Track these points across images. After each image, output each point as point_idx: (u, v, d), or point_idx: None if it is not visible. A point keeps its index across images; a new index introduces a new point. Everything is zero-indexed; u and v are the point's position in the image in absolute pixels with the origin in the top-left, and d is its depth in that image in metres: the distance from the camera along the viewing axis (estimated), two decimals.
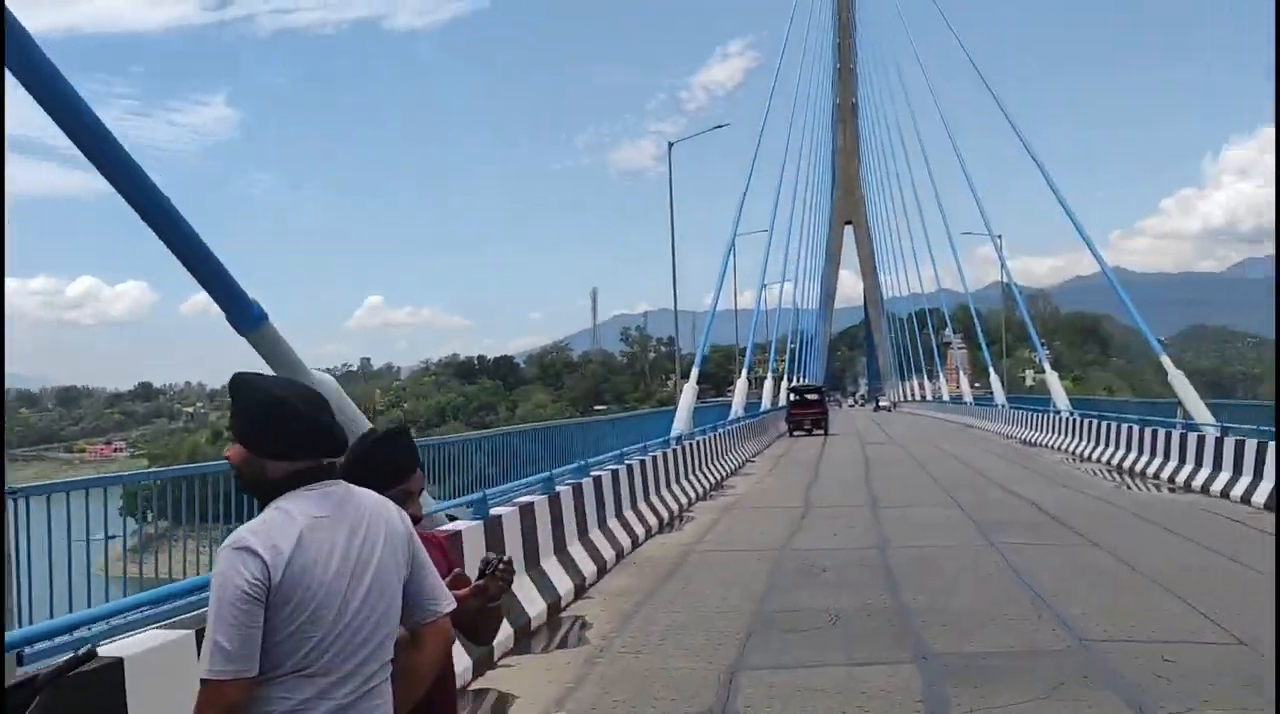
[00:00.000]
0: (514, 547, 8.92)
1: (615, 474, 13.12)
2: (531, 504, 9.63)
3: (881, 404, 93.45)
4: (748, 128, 46.47)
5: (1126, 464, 22.08)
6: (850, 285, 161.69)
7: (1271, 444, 14.84)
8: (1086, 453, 25.86)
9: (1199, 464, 17.93)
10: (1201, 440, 18.14)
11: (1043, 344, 49.44)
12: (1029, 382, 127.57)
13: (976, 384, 79.96)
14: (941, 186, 71.54)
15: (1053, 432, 31.55)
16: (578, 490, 11.22)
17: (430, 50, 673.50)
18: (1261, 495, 14.74)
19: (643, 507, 14.32)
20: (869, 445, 34.22)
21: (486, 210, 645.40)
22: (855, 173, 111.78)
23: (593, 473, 12.37)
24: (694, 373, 27.99)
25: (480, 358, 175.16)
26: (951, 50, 56.42)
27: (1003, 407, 46.87)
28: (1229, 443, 16.72)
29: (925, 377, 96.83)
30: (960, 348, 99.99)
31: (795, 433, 41.95)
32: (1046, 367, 40.25)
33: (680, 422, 24.30)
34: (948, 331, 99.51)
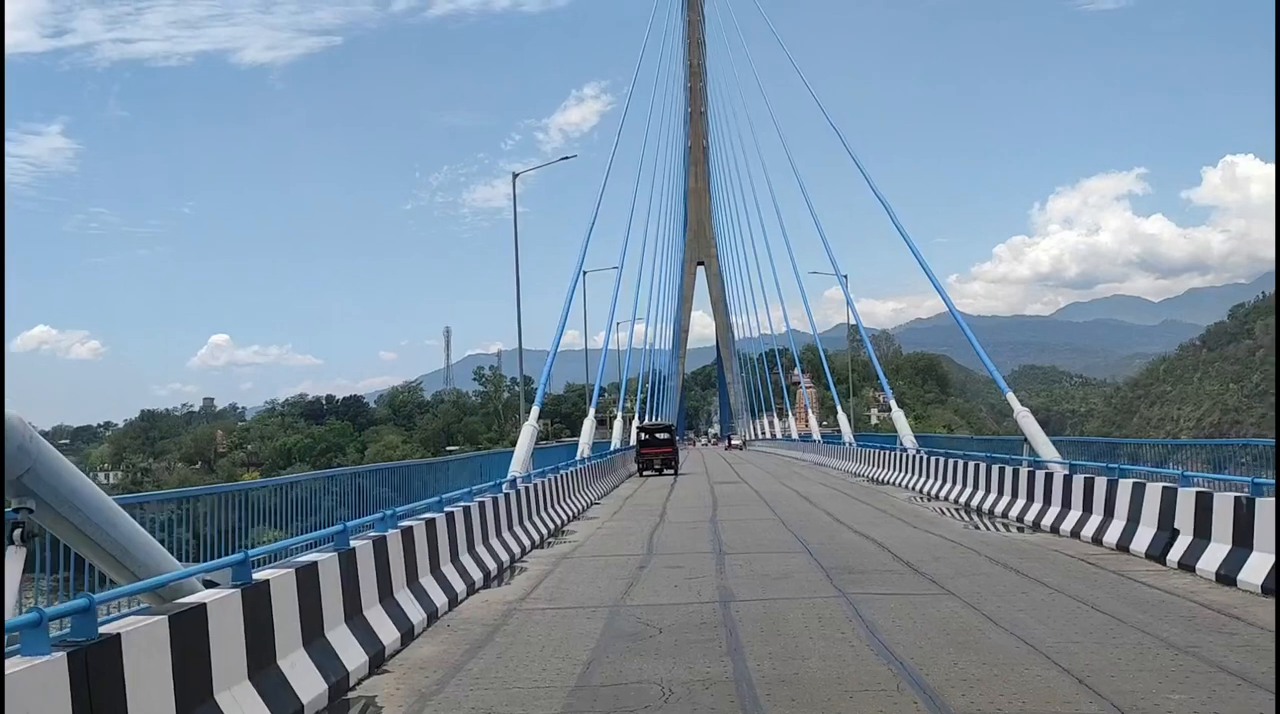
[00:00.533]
0: (286, 618, 7.38)
1: (431, 524, 11.64)
2: (314, 565, 8.09)
3: (733, 443, 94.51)
4: (603, 168, 45.30)
5: (974, 502, 21.76)
6: (703, 325, 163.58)
7: (1123, 483, 14.47)
8: (934, 491, 25.60)
9: (1048, 502, 17.57)
10: (1049, 478, 17.78)
11: (888, 383, 49.98)
12: (874, 420, 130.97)
13: (824, 422, 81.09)
14: (790, 229, 72.36)
15: (900, 469, 31.42)
16: (380, 545, 9.71)
17: (281, 85, 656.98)
18: (1113, 535, 14.29)
19: (466, 559, 12.85)
20: (718, 485, 33.43)
21: (339, 248, 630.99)
22: (707, 214, 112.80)
23: (404, 523, 10.90)
24: (534, 411, 26.42)
25: (329, 398, 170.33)
26: (803, 98, 57.36)
27: (850, 444, 47.04)
28: (1078, 481, 16.34)
29: (776, 415, 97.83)
30: (808, 387, 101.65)
31: (645, 473, 41.09)
32: (893, 404, 40.45)
33: (518, 463, 22.83)
34: (796, 371, 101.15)
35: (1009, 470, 20.32)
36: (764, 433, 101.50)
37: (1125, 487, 14.29)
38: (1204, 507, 11.94)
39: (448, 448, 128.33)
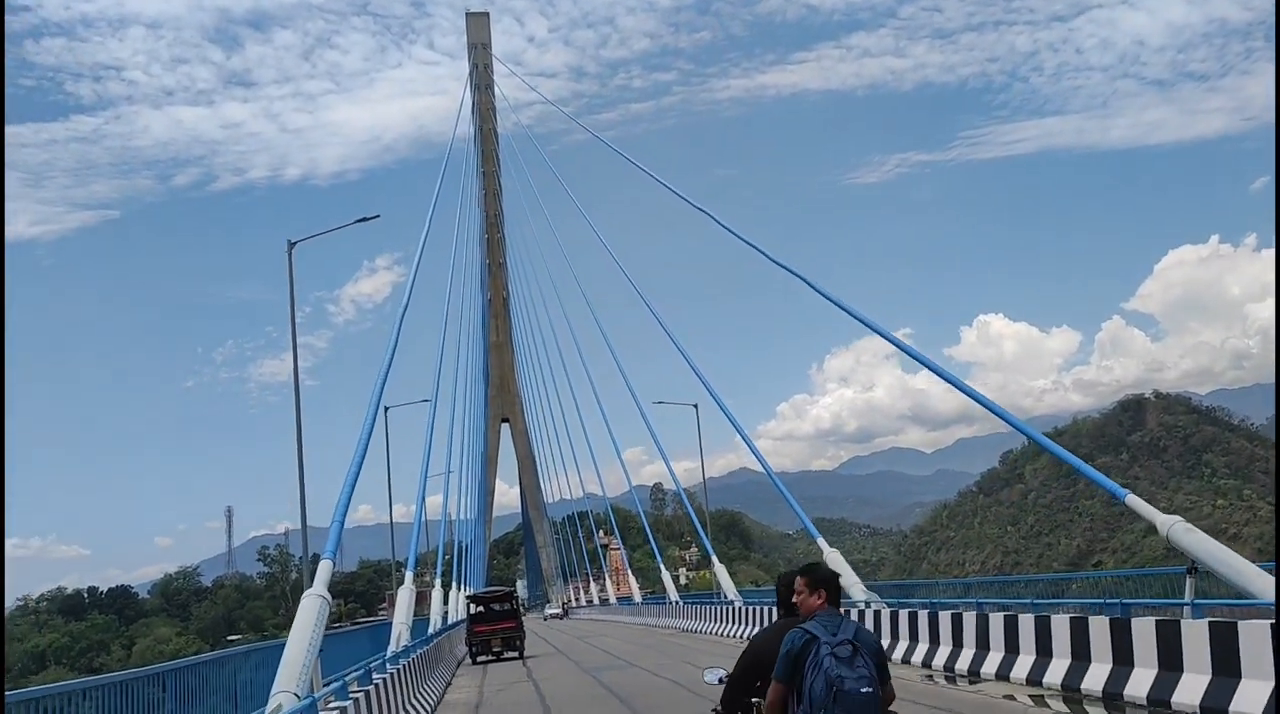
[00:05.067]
0: None
1: None
2: None
3: (552, 611, 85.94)
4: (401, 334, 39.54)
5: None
6: (502, 492, 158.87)
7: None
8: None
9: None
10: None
11: (710, 540, 48.37)
12: (683, 579, 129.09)
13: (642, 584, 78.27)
14: (598, 388, 70.04)
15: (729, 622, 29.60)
16: None
17: (50, 261, 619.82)
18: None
19: None
20: (603, 674, 23.48)
21: (113, 429, 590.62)
22: (510, 369, 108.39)
23: None
24: (323, 567, 16.26)
25: (92, 590, 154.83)
26: (596, 256, 57.07)
27: (677, 603, 44.78)
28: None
29: (590, 579, 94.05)
30: (617, 548, 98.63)
31: (481, 658, 32.15)
32: (715, 559, 39.64)
33: (292, 673, 12.47)
34: (602, 533, 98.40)
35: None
36: (578, 598, 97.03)
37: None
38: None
39: (228, 637, 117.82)
